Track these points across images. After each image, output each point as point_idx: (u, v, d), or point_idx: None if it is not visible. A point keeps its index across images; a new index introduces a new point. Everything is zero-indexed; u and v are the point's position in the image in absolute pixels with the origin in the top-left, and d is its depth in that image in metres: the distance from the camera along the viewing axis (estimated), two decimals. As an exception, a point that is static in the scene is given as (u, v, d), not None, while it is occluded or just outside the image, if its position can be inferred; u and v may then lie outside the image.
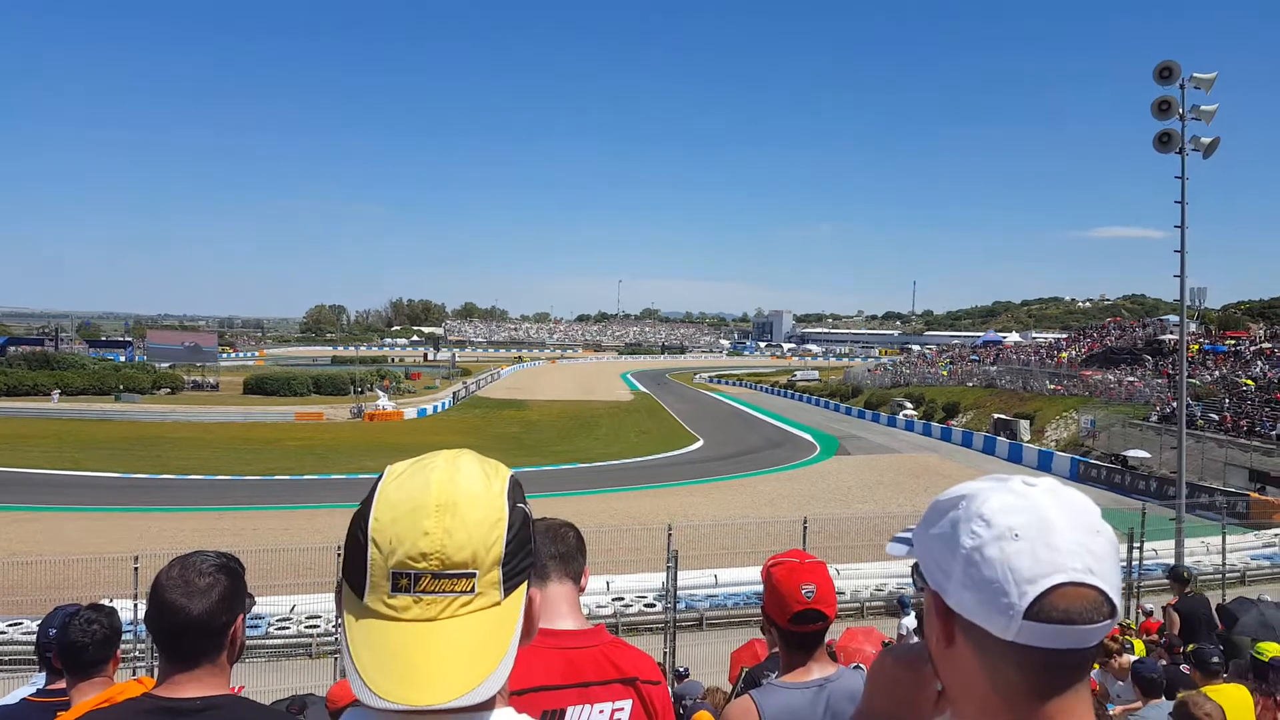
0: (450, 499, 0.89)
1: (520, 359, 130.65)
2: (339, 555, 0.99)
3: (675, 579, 13.59)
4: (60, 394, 57.16)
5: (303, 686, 8.89)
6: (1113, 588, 0.83)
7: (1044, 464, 36.46)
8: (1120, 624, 7.24)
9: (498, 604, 0.89)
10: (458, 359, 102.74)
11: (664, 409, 64.16)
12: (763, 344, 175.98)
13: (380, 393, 60.57)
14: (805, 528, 15.28)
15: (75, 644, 2.53)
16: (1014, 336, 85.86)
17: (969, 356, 67.85)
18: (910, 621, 11.44)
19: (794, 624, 2.16)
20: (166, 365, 70.04)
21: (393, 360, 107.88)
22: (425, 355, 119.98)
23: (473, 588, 0.87)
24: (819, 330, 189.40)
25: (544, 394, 73.24)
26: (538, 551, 1.01)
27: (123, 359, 79.78)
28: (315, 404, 58.07)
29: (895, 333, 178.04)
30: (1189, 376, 21.75)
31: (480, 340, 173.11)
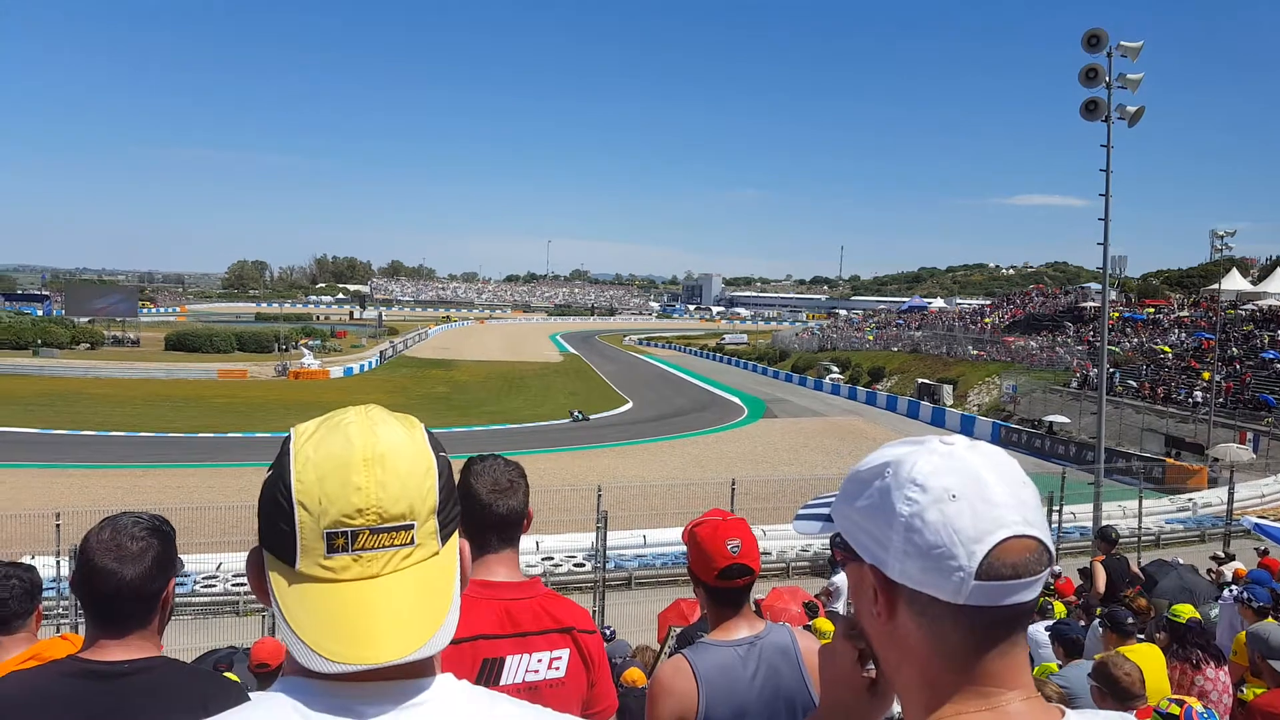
0: (377, 452, 0.86)
1: (448, 319, 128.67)
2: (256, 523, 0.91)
3: (605, 539, 13.73)
4: (-27, 348, 54.10)
5: (231, 643, 8.71)
6: (1048, 537, 0.83)
7: (966, 428, 37.33)
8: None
9: (436, 554, 0.88)
10: (385, 318, 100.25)
11: (593, 370, 64.08)
12: (692, 307, 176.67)
13: (305, 351, 58.85)
14: (734, 490, 15.54)
15: None
16: (939, 302, 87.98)
17: (894, 322, 69.39)
18: (841, 579, 11.60)
19: (721, 580, 2.15)
20: (86, 320, 66.79)
21: (318, 318, 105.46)
22: (351, 314, 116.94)
23: (412, 539, 0.86)
24: (748, 294, 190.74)
25: (472, 354, 72.47)
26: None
27: (40, 313, 76.20)
28: (239, 361, 56.47)
29: (823, 297, 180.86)
30: (1109, 344, 22.44)
31: (408, 299, 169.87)
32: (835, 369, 57.80)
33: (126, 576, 1.60)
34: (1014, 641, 0.83)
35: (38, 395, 39.85)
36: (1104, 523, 15.43)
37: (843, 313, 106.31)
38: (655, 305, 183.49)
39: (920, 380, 48.00)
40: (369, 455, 0.85)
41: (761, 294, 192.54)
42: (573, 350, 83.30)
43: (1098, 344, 23.18)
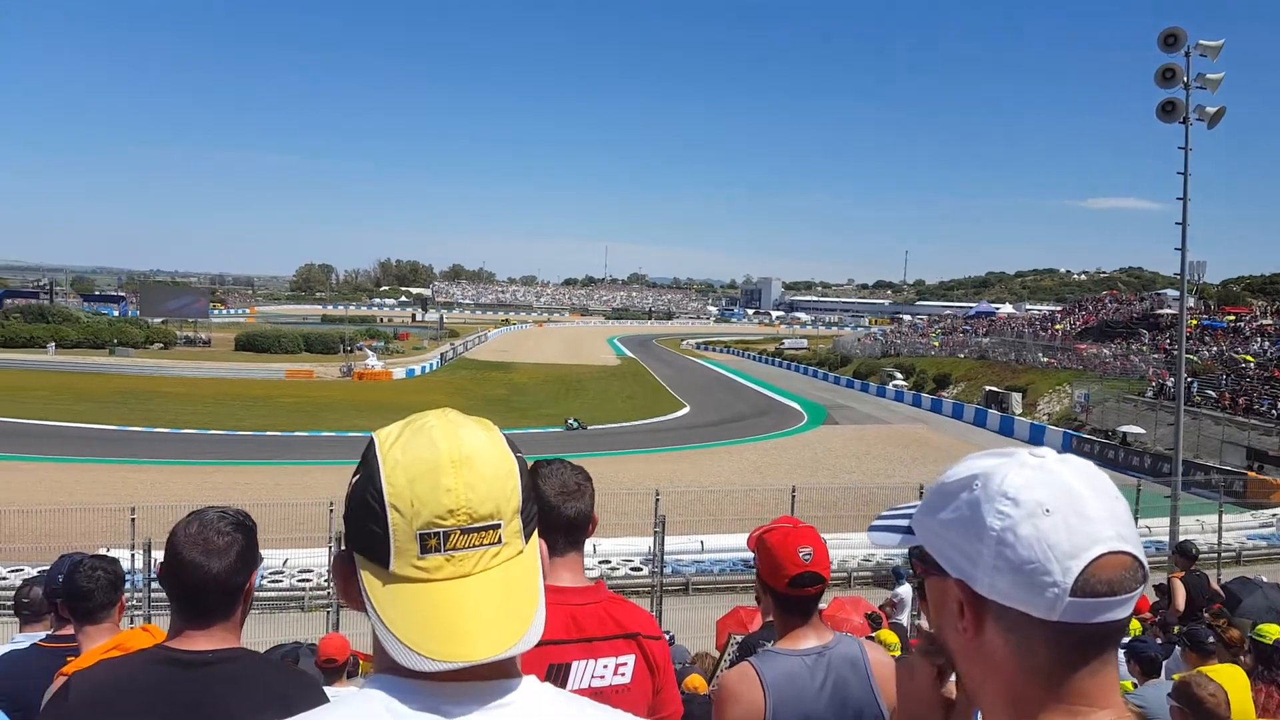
0: (462, 454, 0.88)
1: (507, 321, 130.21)
2: (341, 521, 0.94)
3: (663, 544, 13.64)
4: (56, 346, 57.23)
5: (296, 638, 8.91)
6: (1143, 553, 0.81)
7: (1036, 438, 36.32)
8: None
9: (520, 553, 0.91)
10: (445, 320, 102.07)
11: (650, 374, 64.06)
12: (750, 311, 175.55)
13: (369, 352, 60.23)
14: (794, 497, 15.32)
15: (81, 590, 2.59)
16: (1007, 308, 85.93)
17: (961, 327, 67.74)
18: (905, 590, 11.20)
19: (792, 588, 2.14)
20: (160, 320, 69.49)
21: (381, 320, 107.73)
22: (413, 316, 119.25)
23: (499, 539, 0.88)
24: (808, 298, 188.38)
25: (530, 357, 73.01)
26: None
27: (116, 313, 79.49)
28: (306, 362, 58.03)
29: (886, 302, 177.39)
30: (1187, 352, 21.60)
31: (468, 302, 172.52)
32: (899, 375, 56.69)
33: (213, 570, 1.66)
34: (1105, 660, 0.82)
35: (113, 393, 41.26)
36: (1182, 537, 14.83)
37: (907, 318, 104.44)
38: (713, 309, 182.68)
39: (987, 388, 46.78)
40: (455, 457, 0.87)
41: (822, 298, 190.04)
42: (630, 354, 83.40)
43: (1175, 352, 22.29)
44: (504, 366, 65.18)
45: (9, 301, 76.15)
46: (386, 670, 0.86)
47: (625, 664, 1.93)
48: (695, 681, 5.14)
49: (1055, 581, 0.77)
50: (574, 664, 1.87)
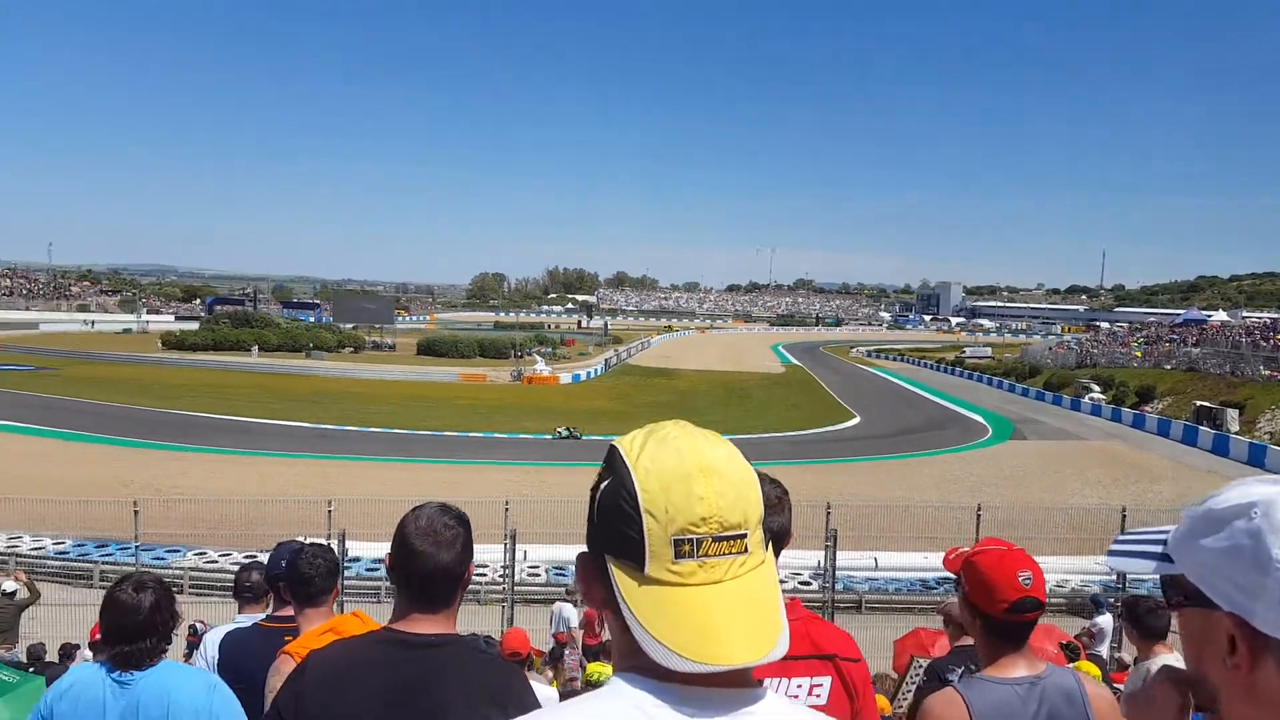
0: (710, 463, 0.91)
1: (670, 328, 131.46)
2: (599, 530, 0.95)
3: (834, 559, 13.10)
4: (258, 350, 62.96)
5: (473, 630, 8.96)
6: None
7: (1255, 459, 32.34)
8: None
9: (763, 562, 0.92)
10: (610, 327, 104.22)
11: (817, 382, 62.13)
12: (927, 317, 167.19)
13: (538, 358, 62.21)
14: (979, 515, 14.40)
15: (304, 576, 2.84)
16: (1221, 315, 77.05)
17: (1167, 336, 61.65)
18: (1105, 620, 10.26)
19: (1011, 614, 2.06)
20: (350, 326, 75.05)
21: (549, 327, 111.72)
22: (579, 322, 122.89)
23: (745, 548, 0.90)
24: (992, 304, 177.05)
25: (693, 363, 72.90)
26: None
27: (312, 319, 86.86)
28: (479, 366, 60.64)
29: (1080, 308, 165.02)
30: None
31: (631, 309, 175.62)
32: (1095, 387, 52.04)
33: (443, 560, 1.81)
34: None
35: (309, 393, 44.57)
36: None
37: (1104, 325, 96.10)
38: (885, 315, 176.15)
39: (1198, 403, 41.88)
40: (704, 466, 0.90)
41: (1008, 304, 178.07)
42: (795, 361, 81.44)
43: None
44: (667, 373, 65.35)
45: (218, 308, 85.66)
46: (631, 670, 0.89)
47: (821, 685, 1.91)
48: (880, 703, 4.50)
49: None
50: (765, 681, 1.55)
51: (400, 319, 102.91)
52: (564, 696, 7.18)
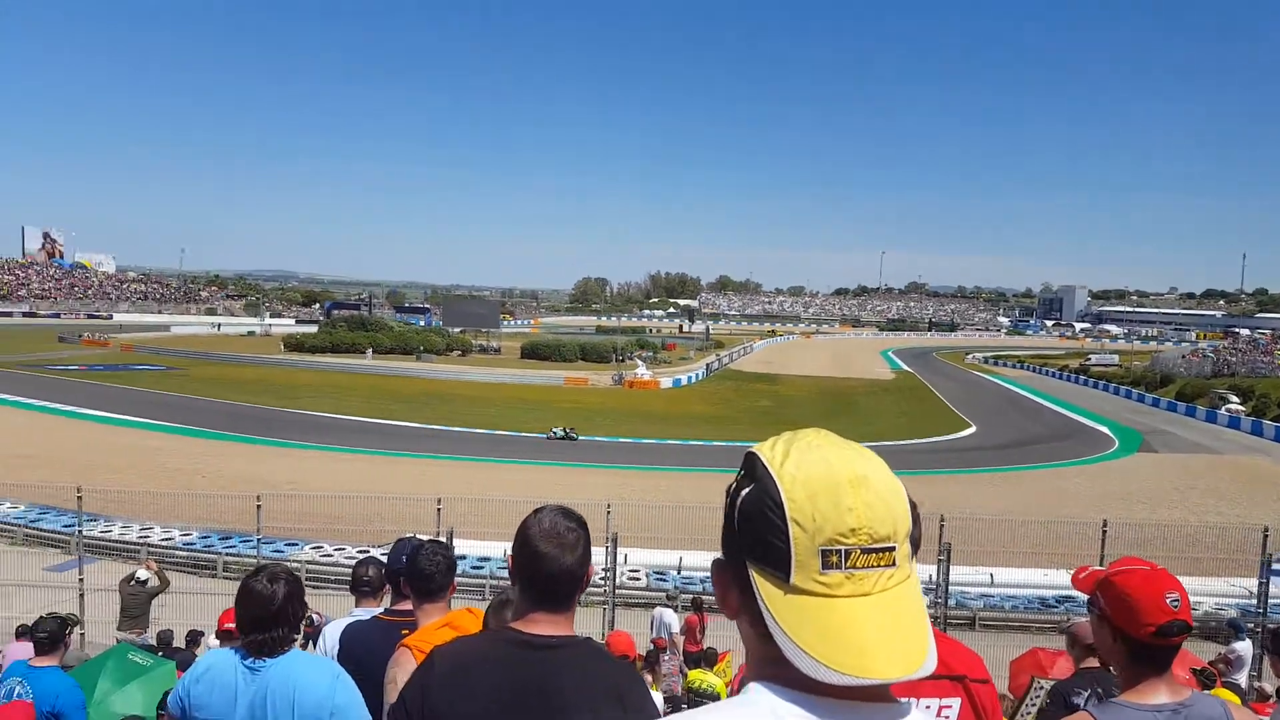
0: (859, 473, 0.90)
1: (774, 333, 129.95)
2: (740, 539, 0.94)
3: (947, 573, 12.63)
4: (372, 352, 65.79)
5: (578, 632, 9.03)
6: None
7: None
8: None
9: (909, 577, 0.91)
10: (711, 331, 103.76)
11: (930, 390, 60.04)
12: (1049, 323, 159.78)
13: (639, 362, 62.51)
14: (1105, 532, 13.61)
15: (424, 573, 2.93)
16: (1382, 321, 70.56)
17: (1318, 344, 56.87)
18: (1244, 647, 9.69)
19: (1158, 637, 1.99)
20: (458, 330, 77.46)
21: (650, 331, 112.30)
22: (680, 327, 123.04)
23: (893, 561, 0.89)
24: (1119, 309, 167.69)
25: (797, 369, 71.69)
26: None
27: (422, 323, 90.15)
28: (581, 370, 61.39)
29: (1217, 314, 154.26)
30: None
31: (733, 313, 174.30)
32: (1234, 398, 48.48)
33: (566, 562, 1.84)
34: None
35: (419, 394, 46.19)
36: None
37: (1244, 332, 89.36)
38: (1004, 320, 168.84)
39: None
40: (852, 477, 0.89)
41: (1137, 309, 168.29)
42: (907, 367, 79.01)
43: None
44: (769, 378, 64.53)
45: (336, 312, 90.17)
46: (770, 679, 0.88)
47: (950, 707, 1.86)
48: (998, 725, 4.20)
49: None
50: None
51: (505, 323, 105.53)
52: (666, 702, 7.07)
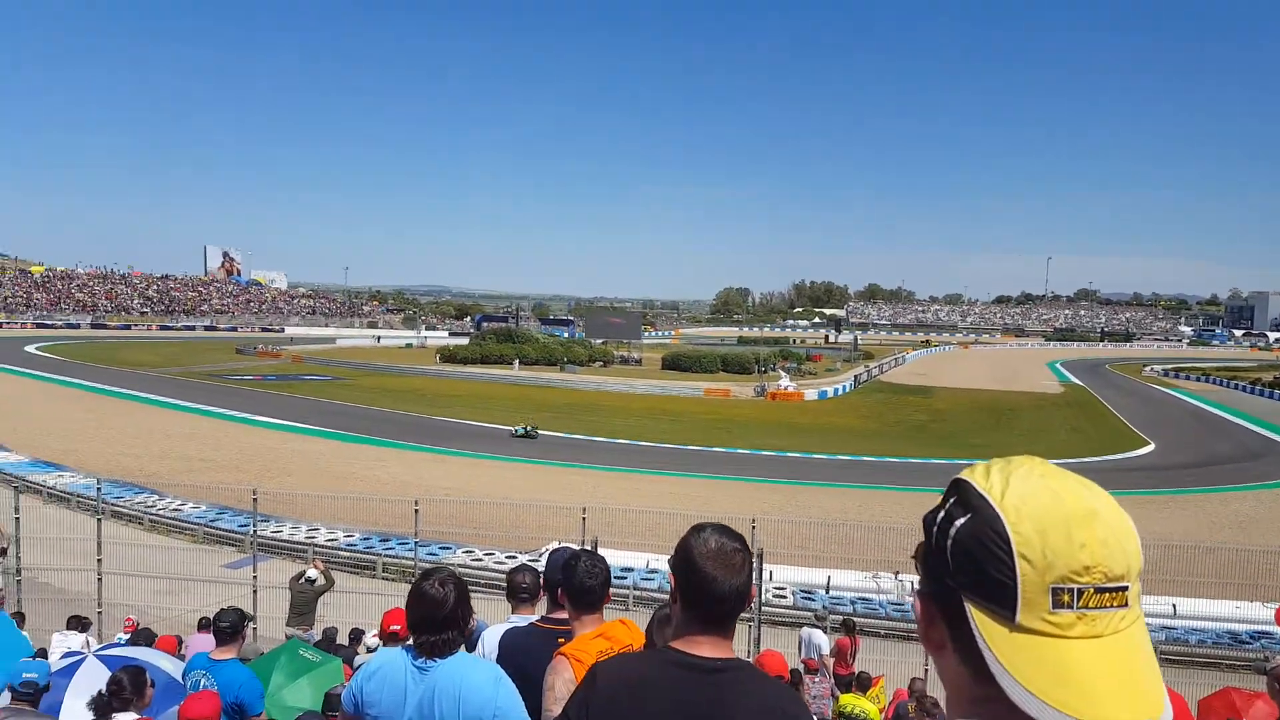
0: (1089, 507, 0.85)
1: (928, 343, 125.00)
2: (929, 562, 0.92)
3: None
4: (519, 363, 68.34)
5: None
6: None
7: None
8: None
9: (1139, 618, 0.86)
10: (860, 342, 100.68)
11: (1102, 404, 55.72)
12: (1238, 332, 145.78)
13: (782, 373, 61.51)
14: None
15: (584, 585, 2.99)
16: None
17: None
18: None
19: None
20: (600, 341, 79.09)
21: (794, 341, 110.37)
22: (827, 337, 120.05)
23: (1126, 601, 0.84)
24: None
25: (953, 381, 68.49)
26: None
27: (566, 335, 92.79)
28: (723, 381, 61.10)
29: None
30: None
31: (884, 323, 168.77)
32: None
33: (733, 584, 1.81)
34: None
35: (564, 404, 47.46)
36: None
37: None
38: (1186, 330, 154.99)
39: None
40: (1082, 511, 0.84)
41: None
42: (1076, 380, 73.86)
43: None
44: (923, 390, 61.98)
45: (486, 325, 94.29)
46: (968, 715, 0.86)
47: None
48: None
49: None
50: None
51: (646, 334, 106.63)
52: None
